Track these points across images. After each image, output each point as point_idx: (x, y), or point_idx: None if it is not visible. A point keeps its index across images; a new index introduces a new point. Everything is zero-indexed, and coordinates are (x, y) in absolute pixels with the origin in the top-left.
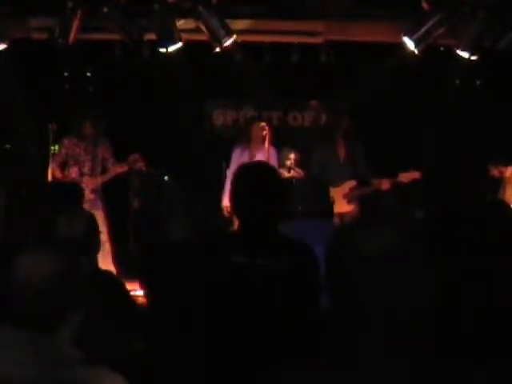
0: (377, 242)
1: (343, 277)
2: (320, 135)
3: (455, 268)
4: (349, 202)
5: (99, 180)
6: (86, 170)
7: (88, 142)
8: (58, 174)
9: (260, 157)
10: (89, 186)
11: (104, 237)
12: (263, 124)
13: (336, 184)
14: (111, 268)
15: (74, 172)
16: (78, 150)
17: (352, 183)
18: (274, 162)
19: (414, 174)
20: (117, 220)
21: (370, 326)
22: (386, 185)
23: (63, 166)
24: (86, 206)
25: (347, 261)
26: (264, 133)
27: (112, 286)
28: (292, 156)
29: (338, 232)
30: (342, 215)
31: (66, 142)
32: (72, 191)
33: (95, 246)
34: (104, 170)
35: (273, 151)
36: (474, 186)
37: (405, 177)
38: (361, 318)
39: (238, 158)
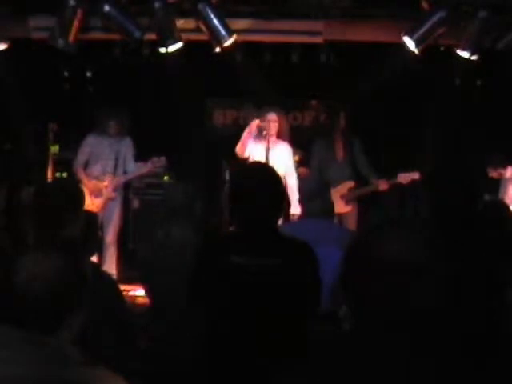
0: (397, 247)
1: (361, 280)
2: (318, 135)
3: (456, 268)
4: (347, 202)
5: (122, 179)
6: (108, 168)
7: (113, 140)
8: (82, 174)
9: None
10: (111, 184)
11: (110, 238)
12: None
13: (334, 184)
14: (113, 269)
15: (96, 170)
16: (102, 149)
17: (350, 184)
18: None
19: (413, 175)
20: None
21: (386, 328)
22: (384, 185)
23: (85, 165)
24: (107, 204)
25: (365, 264)
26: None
27: (110, 286)
28: (296, 158)
29: (356, 235)
30: (340, 216)
31: (90, 140)
32: (73, 191)
33: (91, 247)
34: (125, 170)
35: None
36: (473, 187)
37: (403, 178)
38: (377, 320)
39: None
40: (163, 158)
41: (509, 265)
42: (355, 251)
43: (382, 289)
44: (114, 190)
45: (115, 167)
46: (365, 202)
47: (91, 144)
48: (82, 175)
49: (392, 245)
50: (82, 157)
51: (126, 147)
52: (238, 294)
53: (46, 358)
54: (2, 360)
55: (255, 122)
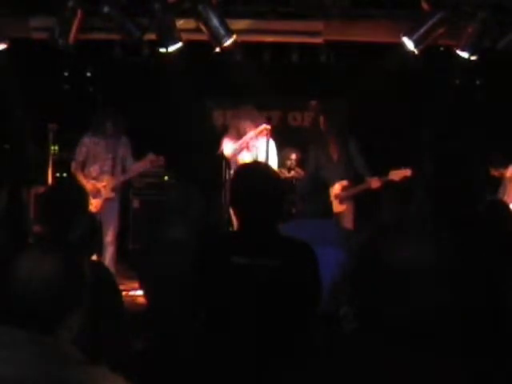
0: (405, 248)
1: (370, 281)
2: (316, 135)
3: (456, 268)
4: (341, 202)
5: (120, 179)
6: (106, 168)
7: (109, 140)
8: (80, 174)
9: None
10: (110, 184)
11: (109, 238)
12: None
13: (330, 184)
14: (112, 269)
15: (94, 170)
16: (99, 149)
17: (343, 183)
18: None
19: (405, 172)
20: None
21: (391, 327)
22: (376, 183)
23: (83, 165)
24: (105, 204)
25: (374, 265)
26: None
27: (109, 285)
28: (293, 156)
29: (365, 237)
30: (335, 215)
31: (86, 140)
32: (77, 192)
33: (93, 248)
34: (123, 169)
35: None
36: (474, 186)
37: (395, 175)
38: (384, 320)
39: None
40: (162, 158)
41: (509, 264)
42: (364, 252)
43: (389, 289)
44: (113, 189)
45: (113, 167)
46: (364, 202)
47: (87, 144)
48: (80, 176)
49: (401, 246)
50: (79, 157)
51: (124, 146)
52: (238, 294)
53: (46, 357)
54: (1, 360)
55: (249, 136)
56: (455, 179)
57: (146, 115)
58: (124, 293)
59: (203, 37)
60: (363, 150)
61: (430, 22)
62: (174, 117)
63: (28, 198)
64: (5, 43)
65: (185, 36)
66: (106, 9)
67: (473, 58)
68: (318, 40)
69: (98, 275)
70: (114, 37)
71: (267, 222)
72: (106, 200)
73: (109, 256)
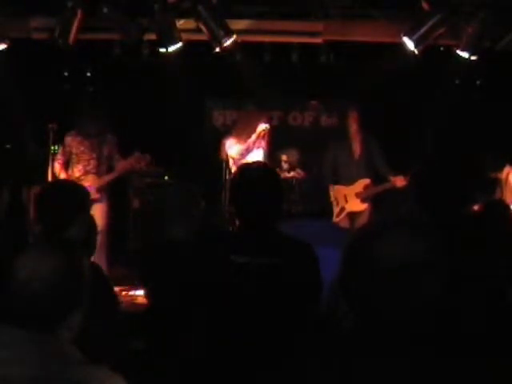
0: (396, 246)
1: (360, 280)
2: (320, 135)
3: (455, 267)
4: (362, 200)
5: (105, 179)
6: (90, 168)
7: (94, 139)
8: (62, 174)
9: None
10: (94, 184)
11: (101, 238)
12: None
13: (350, 182)
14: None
15: (78, 170)
16: (83, 148)
17: (366, 181)
18: None
19: None
20: (117, 220)
21: (386, 327)
22: (401, 182)
23: (66, 165)
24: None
25: (364, 264)
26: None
27: (106, 286)
28: (284, 158)
29: (355, 235)
30: (354, 214)
31: (69, 139)
32: (78, 192)
33: (92, 247)
34: (110, 168)
35: None
36: (472, 186)
37: None
38: (377, 320)
39: None
40: (148, 156)
41: (509, 264)
42: (354, 251)
43: (381, 288)
44: (98, 190)
45: (97, 167)
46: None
47: (70, 144)
48: (63, 176)
49: (391, 244)
50: (61, 157)
51: (109, 145)
52: (239, 293)
53: (47, 357)
54: (2, 360)
55: (252, 140)
56: (454, 178)
57: (145, 115)
58: (124, 293)
59: (203, 37)
60: (379, 146)
61: (430, 22)
62: (174, 117)
63: (28, 198)
64: (5, 43)
65: (185, 36)
66: (105, 9)
67: (473, 57)
68: (318, 40)
69: (96, 275)
70: (114, 37)
71: (267, 221)
72: (92, 201)
73: (98, 258)
